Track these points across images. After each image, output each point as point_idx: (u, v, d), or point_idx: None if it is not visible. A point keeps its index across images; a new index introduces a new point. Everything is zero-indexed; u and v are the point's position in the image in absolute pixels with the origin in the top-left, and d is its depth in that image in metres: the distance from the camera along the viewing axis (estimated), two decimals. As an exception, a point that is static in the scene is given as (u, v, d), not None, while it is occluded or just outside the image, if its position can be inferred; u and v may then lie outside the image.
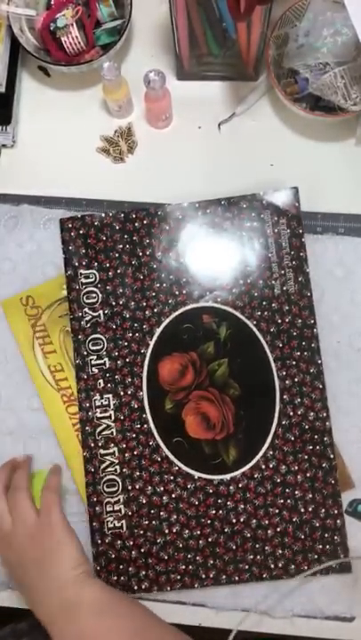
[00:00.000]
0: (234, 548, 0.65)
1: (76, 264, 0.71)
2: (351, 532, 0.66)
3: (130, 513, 0.66)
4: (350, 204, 0.73)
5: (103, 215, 0.71)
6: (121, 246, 0.71)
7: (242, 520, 0.66)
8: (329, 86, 0.69)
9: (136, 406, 0.68)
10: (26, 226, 0.74)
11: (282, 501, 0.66)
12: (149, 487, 0.67)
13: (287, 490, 0.66)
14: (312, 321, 0.68)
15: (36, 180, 0.74)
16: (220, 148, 0.76)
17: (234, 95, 0.77)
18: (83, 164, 0.76)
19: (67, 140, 0.77)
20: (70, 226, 0.71)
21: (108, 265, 0.71)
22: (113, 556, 0.66)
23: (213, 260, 0.70)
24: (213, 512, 0.66)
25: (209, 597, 0.66)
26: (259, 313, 0.69)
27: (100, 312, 0.70)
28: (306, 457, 0.66)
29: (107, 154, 0.77)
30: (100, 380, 0.69)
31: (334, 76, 0.68)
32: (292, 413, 0.67)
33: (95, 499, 0.67)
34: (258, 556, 0.65)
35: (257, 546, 0.65)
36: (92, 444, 0.68)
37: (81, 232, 0.71)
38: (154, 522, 0.66)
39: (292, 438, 0.67)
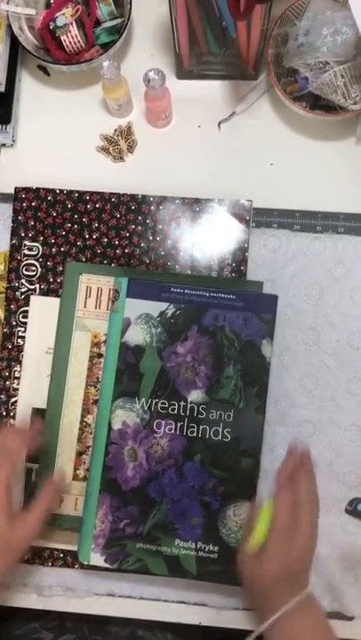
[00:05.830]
0: None
1: (22, 234, 0.72)
2: (351, 532, 0.66)
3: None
4: (350, 204, 0.73)
5: (57, 191, 0.72)
6: (69, 225, 0.72)
7: None
8: (329, 85, 0.69)
9: None
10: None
11: None
12: None
13: None
14: None
15: (36, 180, 0.74)
16: (220, 147, 0.76)
17: (234, 94, 0.77)
18: (82, 163, 0.76)
19: (66, 139, 0.77)
20: (24, 196, 0.72)
21: (53, 241, 0.71)
22: None
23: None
24: None
25: (210, 597, 0.66)
26: None
27: (37, 286, 0.71)
28: None
29: (106, 153, 0.77)
30: (24, 353, 0.70)
31: (334, 74, 0.68)
32: None
33: None
34: None
35: None
36: (4, 413, 0.69)
37: (33, 204, 0.72)
38: None
39: None
